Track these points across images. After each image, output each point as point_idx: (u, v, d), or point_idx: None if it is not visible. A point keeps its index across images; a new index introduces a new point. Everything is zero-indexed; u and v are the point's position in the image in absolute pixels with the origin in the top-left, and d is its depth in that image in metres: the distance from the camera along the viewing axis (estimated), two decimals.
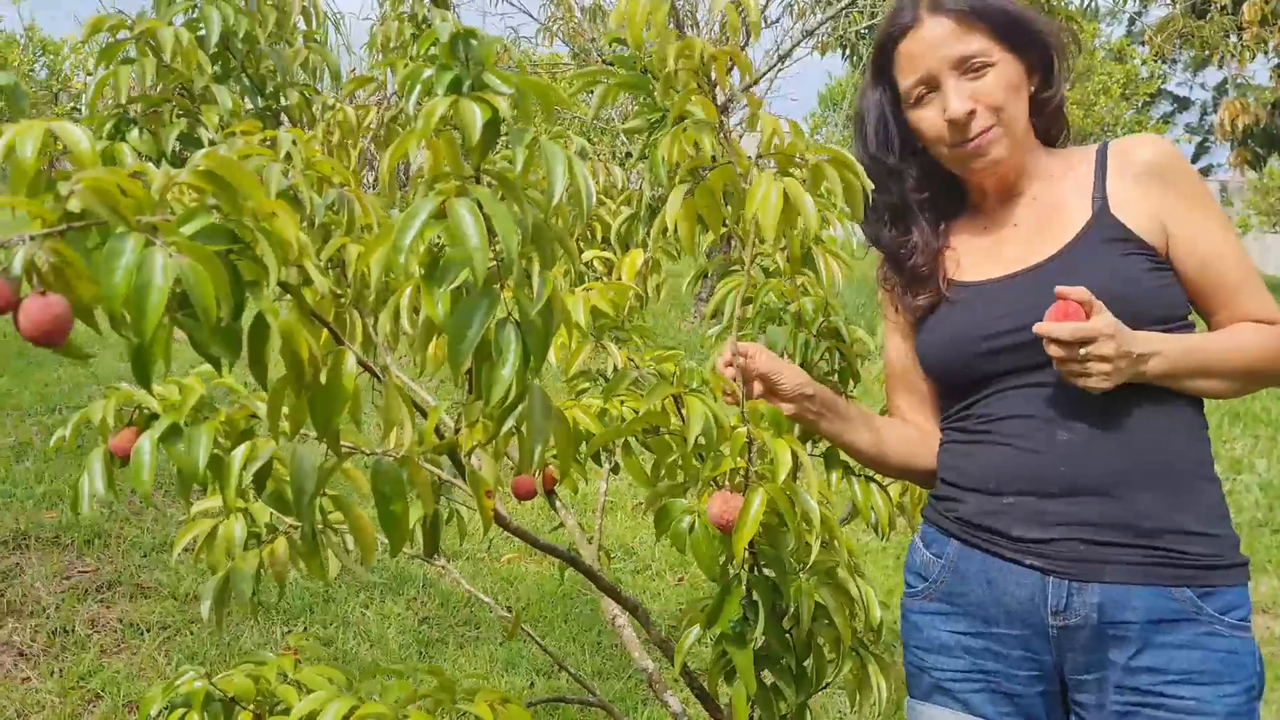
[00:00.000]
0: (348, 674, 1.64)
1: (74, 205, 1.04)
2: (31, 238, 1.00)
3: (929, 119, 1.51)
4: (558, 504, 2.08)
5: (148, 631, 3.49)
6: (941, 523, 1.56)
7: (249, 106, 2.18)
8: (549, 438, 1.25)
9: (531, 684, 3.28)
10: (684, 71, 1.40)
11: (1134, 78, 14.86)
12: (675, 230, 1.83)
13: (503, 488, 1.80)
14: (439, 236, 1.23)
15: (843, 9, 7.56)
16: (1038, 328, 1.36)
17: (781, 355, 1.69)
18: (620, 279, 2.26)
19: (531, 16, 8.23)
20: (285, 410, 1.27)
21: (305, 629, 3.57)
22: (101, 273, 0.99)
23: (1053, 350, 1.36)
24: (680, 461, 1.47)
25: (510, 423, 1.28)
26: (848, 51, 9.67)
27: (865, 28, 7.95)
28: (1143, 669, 1.39)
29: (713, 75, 1.41)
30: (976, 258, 1.57)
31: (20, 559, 3.92)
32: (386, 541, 1.72)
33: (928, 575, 1.55)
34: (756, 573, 1.47)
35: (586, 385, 2.00)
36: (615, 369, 1.93)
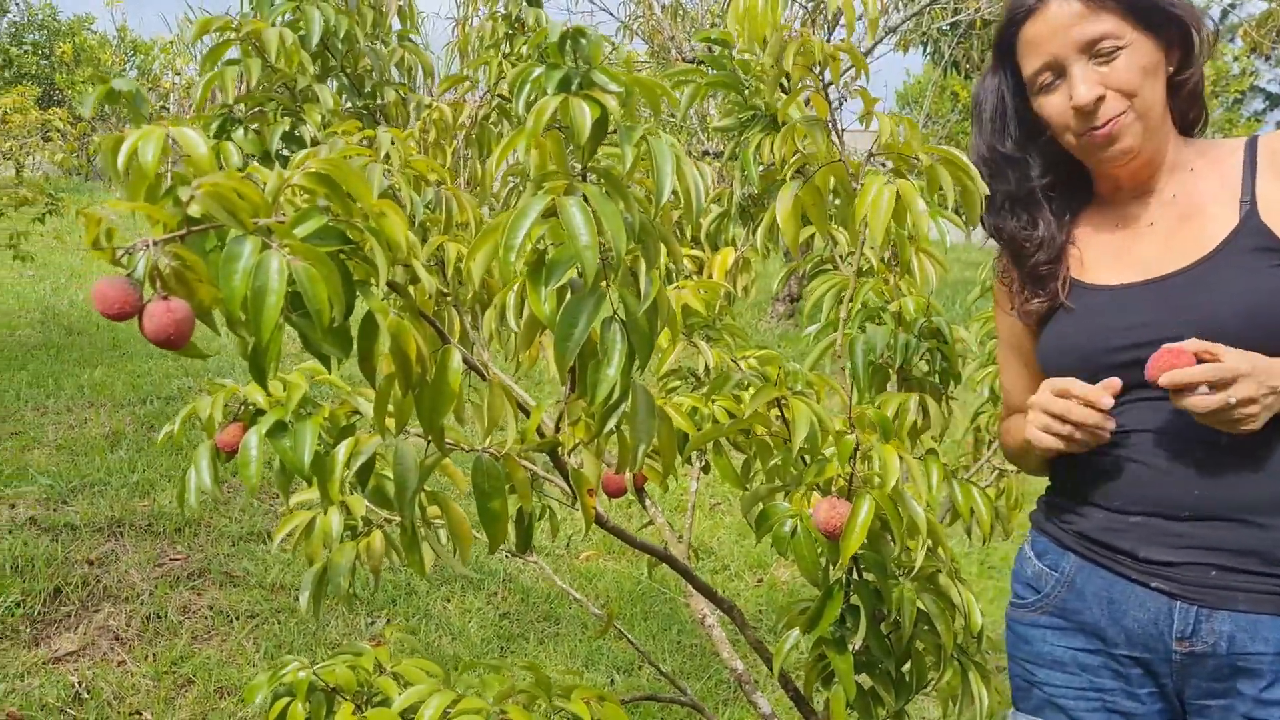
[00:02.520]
0: (444, 667, 1.66)
1: (194, 210, 1.06)
2: (154, 242, 1.02)
3: (1055, 105, 1.42)
4: (647, 502, 2.08)
5: (236, 619, 3.56)
6: (1058, 534, 1.49)
7: (347, 105, 2.21)
8: (653, 437, 1.25)
9: (611, 681, 3.29)
10: (797, 69, 1.38)
11: (1224, 74, 14.38)
12: (772, 230, 1.82)
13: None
14: (543, 236, 1.23)
15: (926, 5, 7.45)
16: (1164, 381, 1.26)
17: (881, 355, 1.66)
18: (711, 277, 2.25)
19: (611, 14, 8.26)
20: (389, 407, 1.29)
21: (388, 621, 3.61)
22: (221, 276, 1.01)
23: (1189, 403, 1.26)
24: (780, 464, 1.45)
25: (612, 422, 1.28)
26: (929, 48, 9.55)
27: (948, 24, 7.84)
28: (1275, 702, 1.31)
29: (827, 74, 1.39)
30: (1105, 257, 1.48)
31: (115, 545, 4.04)
32: (479, 537, 1.73)
33: (1040, 588, 1.50)
34: (858, 577, 1.45)
35: (677, 383, 1.99)
36: (707, 368, 1.92)
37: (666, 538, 2.10)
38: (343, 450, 1.50)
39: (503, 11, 2.33)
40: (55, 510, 4.29)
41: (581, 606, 3.75)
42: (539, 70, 1.15)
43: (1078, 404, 1.36)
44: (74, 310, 8.32)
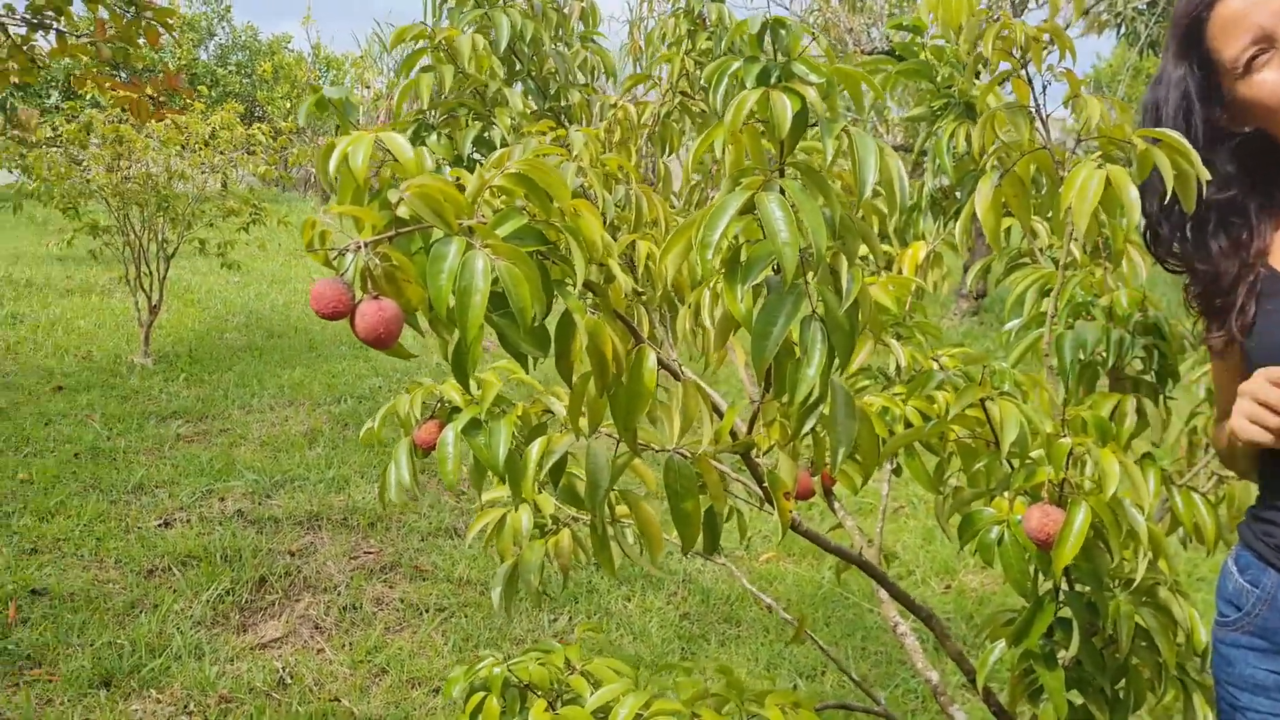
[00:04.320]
0: (634, 667, 1.66)
1: (403, 211, 1.08)
2: (364, 244, 1.05)
3: (1272, 81, 1.28)
4: (836, 505, 2.03)
5: (426, 612, 3.68)
6: (1260, 548, 1.37)
7: (533, 107, 2.25)
8: (853, 440, 1.21)
9: (794, 686, 3.24)
10: (997, 54, 1.32)
11: None
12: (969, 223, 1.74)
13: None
14: (738, 233, 1.21)
15: None
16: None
17: (1091, 353, 1.57)
18: (901, 273, 2.18)
19: (785, 9, 8.18)
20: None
21: (570, 618, 3.66)
22: (429, 275, 1.03)
23: None
24: (985, 468, 1.39)
25: (810, 424, 1.24)
26: (1123, 29, 9.06)
27: (1145, 2, 7.41)
28: None
29: (1029, 58, 1.32)
30: None
31: (314, 538, 4.24)
32: (668, 537, 1.72)
33: (1241, 605, 1.38)
34: (1069, 589, 1.37)
35: (866, 383, 1.94)
36: (898, 367, 1.86)
37: (855, 542, 2.04)
38: (535, 448, 1.51)
39: (684, 8, 2.32)
40: (260, 504, 4.53)
41: (764, 609, 3.71)
42: (738, 63, 1.13)
43: None
44: (274, 314, 8.80)
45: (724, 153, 1.21)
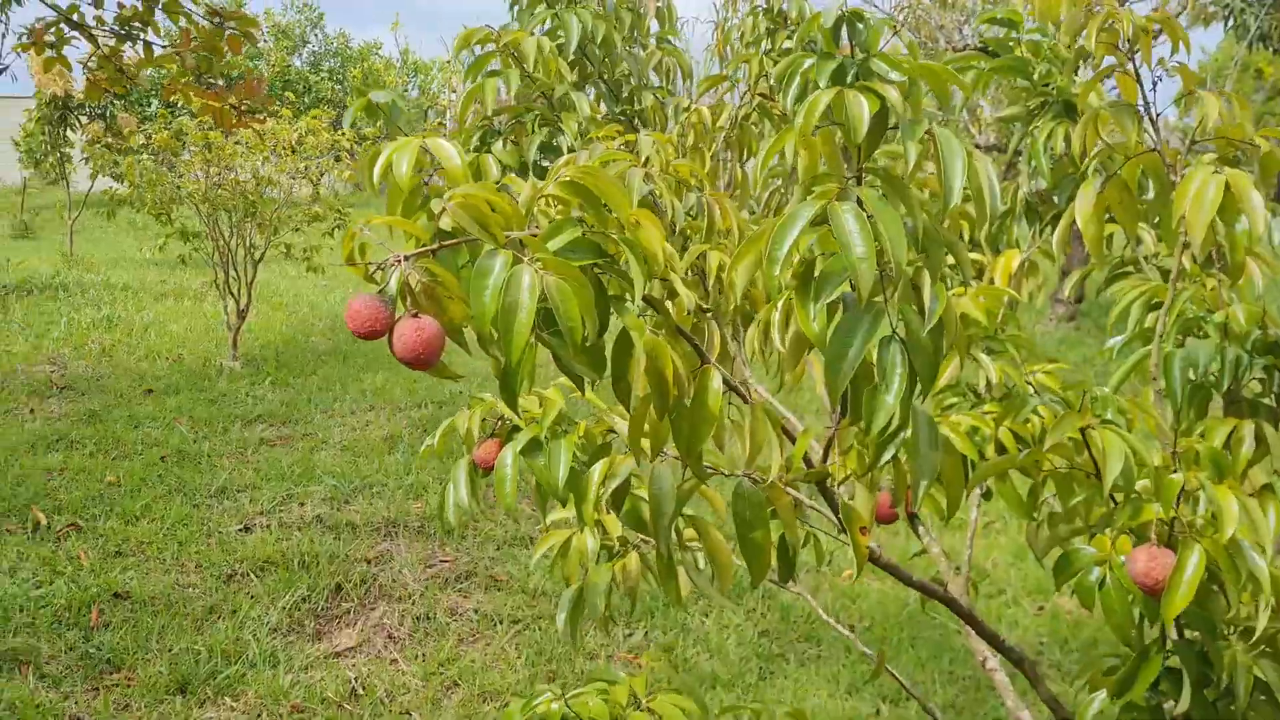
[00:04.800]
0: (698, 699, 1.56)
1: (446, 222, 1.01)
2: (406, 257, 0.98)
3: None
4: (920, 529, 1.91)
5: (500, 623, 3.63)
6: None
7: (604, 112, 2.17)
8: (936, 472, 1.10)
9: (877, 711, 3.11)
10: (1101, 47, 1.20)
11: None
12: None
13: None
14: (813, 245, 1.11)
15: None
16: None
17: (1204, 373, 1.43)
18: (992, 283, 2.06)
19: (875, 7, 8.00)
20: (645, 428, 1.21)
21: (646, 634, 3.58)
22: (471, 292, 0.95)
23: None
24: (1084, 502, 1.26)
25: (890, 453, 1.14)
26: (1230, 21, 8.66)
27: None
28: None
29: (1136, 51, 1.20)
30: None
31: (390, 545, 4.22)
32: (739, 563, 1.62)
33: None
34: (1179, 637, 1.24)
35: (954, 400, 1.82)
36: (988, 383, 1.74)
37: (942, 568, 1.92)
38: (598, 471, 1.43)
39: (764, 5, 2.22)
40: (338, 509, 4.54)
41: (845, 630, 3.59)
42: (810, 61, 1.03)
43: None
44: None
45: (796, 158, 1.11)
